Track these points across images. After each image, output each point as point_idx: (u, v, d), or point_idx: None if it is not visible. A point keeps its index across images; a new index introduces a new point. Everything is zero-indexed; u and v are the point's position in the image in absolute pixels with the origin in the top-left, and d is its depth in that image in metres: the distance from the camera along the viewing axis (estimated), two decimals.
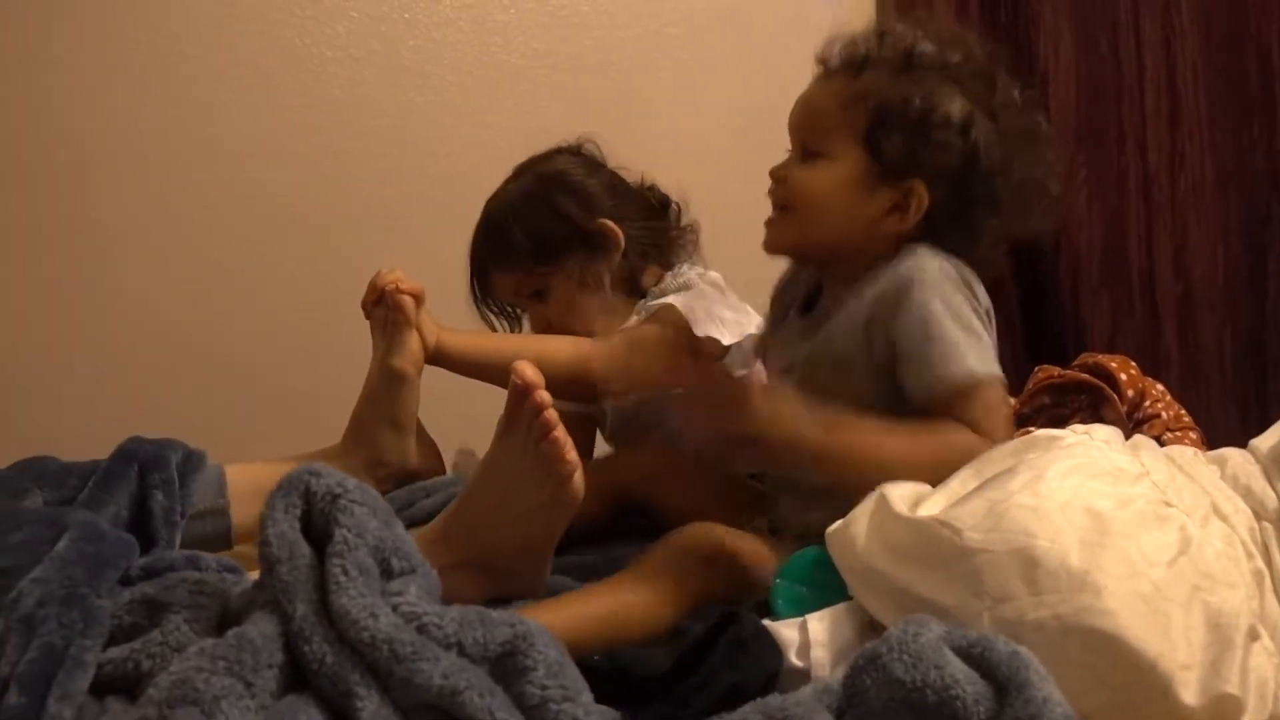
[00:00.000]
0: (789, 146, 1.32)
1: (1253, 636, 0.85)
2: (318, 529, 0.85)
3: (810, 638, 0.93)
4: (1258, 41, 2.67)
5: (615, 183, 1.78)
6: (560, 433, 1.14)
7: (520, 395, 1.13)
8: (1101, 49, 2.56)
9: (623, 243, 1.70)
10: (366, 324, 1.56)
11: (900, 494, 0.96)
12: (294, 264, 2.32)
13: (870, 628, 0.94)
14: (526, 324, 1.81)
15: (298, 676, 0.80)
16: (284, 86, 2.31)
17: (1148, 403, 1.71)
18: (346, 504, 0.84)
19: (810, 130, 1.27)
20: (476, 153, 2.36)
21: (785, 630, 0.94)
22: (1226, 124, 2.61)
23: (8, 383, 2.18)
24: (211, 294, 2.28)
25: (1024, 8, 2.59)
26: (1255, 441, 1.06)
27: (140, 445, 1.03)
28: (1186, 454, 1.08)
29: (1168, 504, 0.92)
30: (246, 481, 1.03)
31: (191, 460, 1.04)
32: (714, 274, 1.75)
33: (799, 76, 2.63)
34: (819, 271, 1.33)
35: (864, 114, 1.23)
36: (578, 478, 1.16)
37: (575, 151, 1.79)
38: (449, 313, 1.67)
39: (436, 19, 2.40)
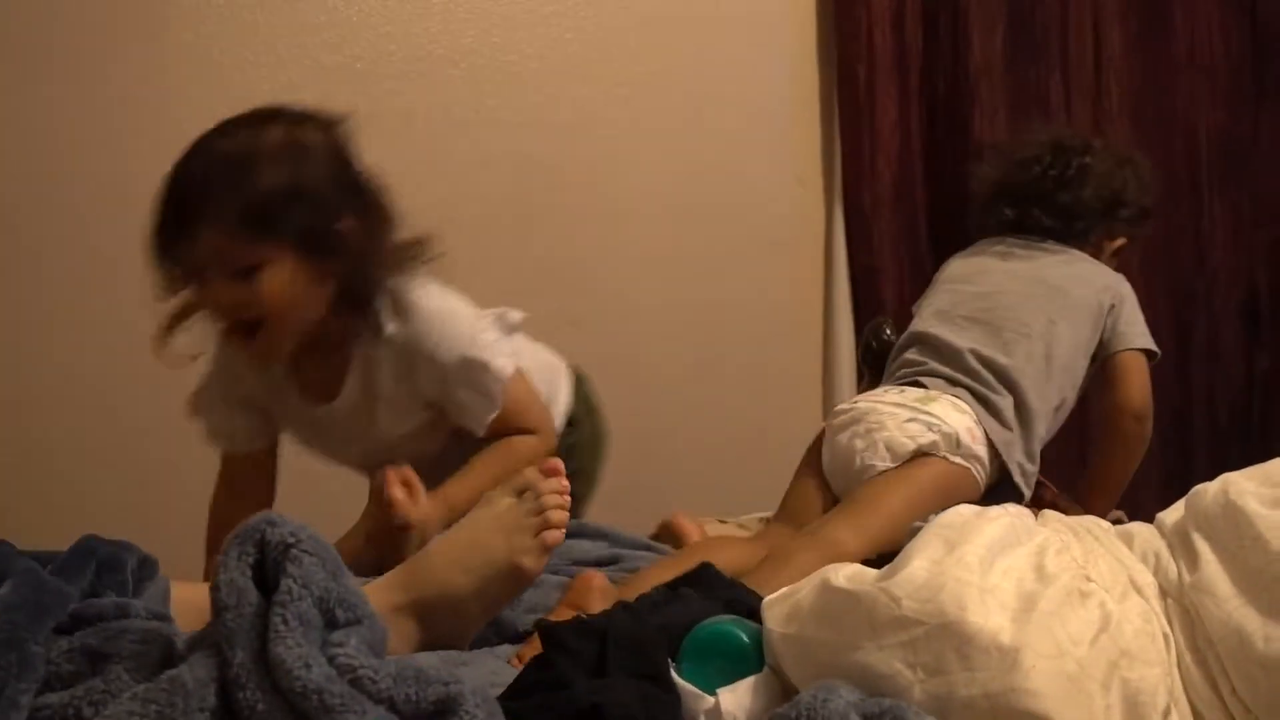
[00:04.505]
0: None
1: (1167, 713, 0.88)
2: (269, 578, 0.86)
3: (722, 710, 0.94)
4: (1185, 126, 2.77)
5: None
6: (567, 510, 1.26)
7: (548, 470, 1.27)
8: (1034, 127, 2.64)
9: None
10: None
11: (842, 573, 0.98)
12: None
13: (783, 697, 0.95)
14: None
15: None
16: None
17: None
18: (297, 554, 0.85)
19: None
20: (419, 206, 2.39)
21: (694, 701, 0.95)
22: (1153, 205, 2.70)
23: None
24: None
25: (962, 84, 2.67)
26: (1161, 516, 1.09)
27: (98, 545, 1.03)
28: (1101, 526, 1.11)
29: (1088, 579, 0.95)
30: (188, 601, 1.04)
31: (146, 567, 1.05)
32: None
33: (736, 139, 2.71)
34: None
35: None
36: (545, 561, 1.26)
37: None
38: None
39: (389, 70, 2.42)
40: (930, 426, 1.67)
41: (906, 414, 1.69)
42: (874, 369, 2.10)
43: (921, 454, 1.66)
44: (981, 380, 1.76)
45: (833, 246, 2.72)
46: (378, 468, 1.73)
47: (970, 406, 1.72)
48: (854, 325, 2.68)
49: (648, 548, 1.71)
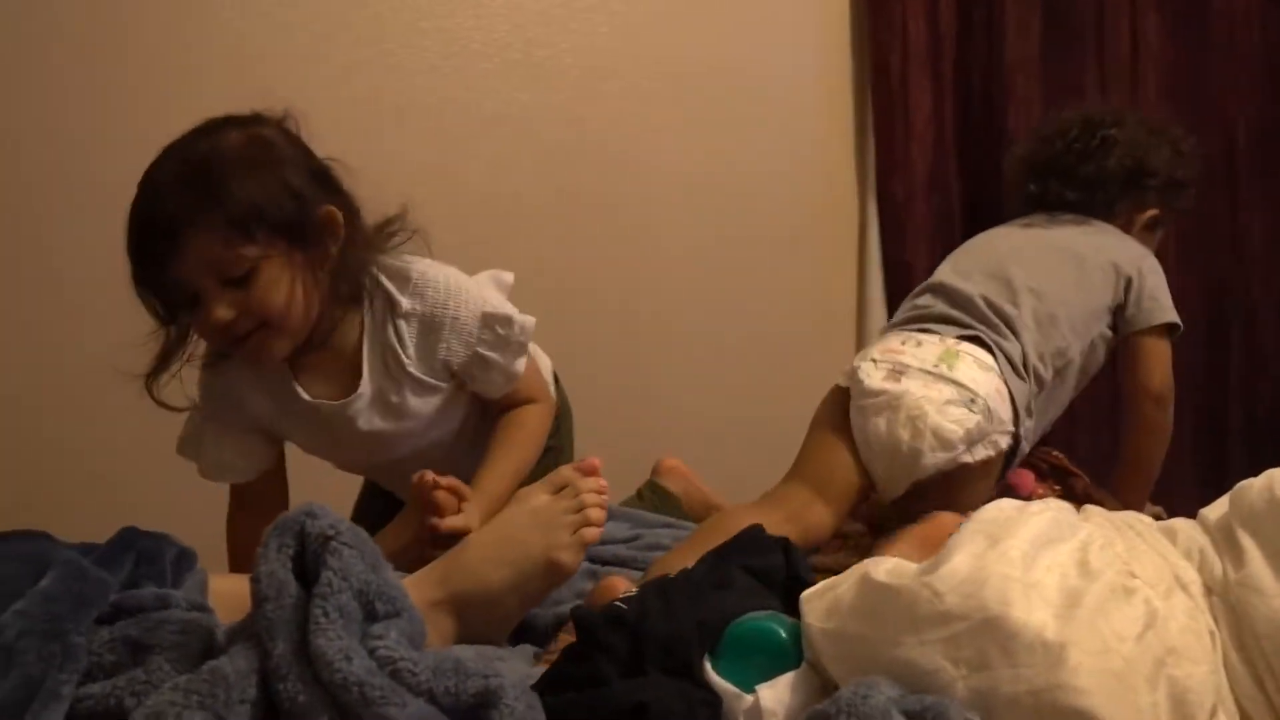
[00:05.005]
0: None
1: (1214, 712, 0.87)
2: (309, 570, 0.87)
3: (761, 706, 0.93)
4: (1221, 116, 2.74)
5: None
6: (605, 508, 1.31)
7: (586, 469, 1.31)
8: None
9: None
10: None
11: (883, 567, 0.97)
12: None
13: (822, 693, 0.94)
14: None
15: (271, 712, 0.81)
16: None
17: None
18: (337, 546, 0.86)
19: None
20: (453, 198, 2.39)
21: (734, 700, 0.95)
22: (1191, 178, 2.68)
23: None
24: None
25: (997, 75, 2.65)
26: (1204, 512, 1.07)
27: (137, 536, 1.04)
28: (1144, 522, 1.09)
29: (1133, 575, 0.94)
30: (227, 592, 1.05)
31: (184, 559, 1.05)
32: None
33: (769, 130, 2.70)
34: None
35: None
36: (580, 558, 1.29)
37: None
38: None
39: (422, 64, 2.43)
40: (969, 405, 1.64)
41: (941, 392, 1.65)
42: None
43: (968, 449, 1.65)
44: (992, 326, 1.75)
45: (866, 238, 2.72)
46: (391, 467, 1.72)
47: (993, 360, 1.71)
48: (887, 317, 2.67)
49: (667, 525, 1.75)
